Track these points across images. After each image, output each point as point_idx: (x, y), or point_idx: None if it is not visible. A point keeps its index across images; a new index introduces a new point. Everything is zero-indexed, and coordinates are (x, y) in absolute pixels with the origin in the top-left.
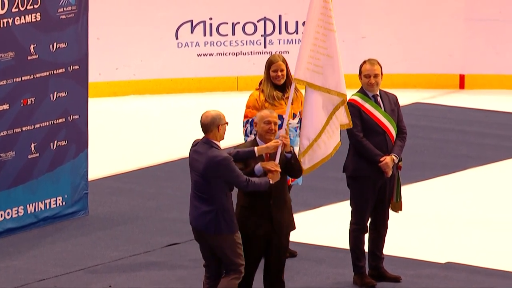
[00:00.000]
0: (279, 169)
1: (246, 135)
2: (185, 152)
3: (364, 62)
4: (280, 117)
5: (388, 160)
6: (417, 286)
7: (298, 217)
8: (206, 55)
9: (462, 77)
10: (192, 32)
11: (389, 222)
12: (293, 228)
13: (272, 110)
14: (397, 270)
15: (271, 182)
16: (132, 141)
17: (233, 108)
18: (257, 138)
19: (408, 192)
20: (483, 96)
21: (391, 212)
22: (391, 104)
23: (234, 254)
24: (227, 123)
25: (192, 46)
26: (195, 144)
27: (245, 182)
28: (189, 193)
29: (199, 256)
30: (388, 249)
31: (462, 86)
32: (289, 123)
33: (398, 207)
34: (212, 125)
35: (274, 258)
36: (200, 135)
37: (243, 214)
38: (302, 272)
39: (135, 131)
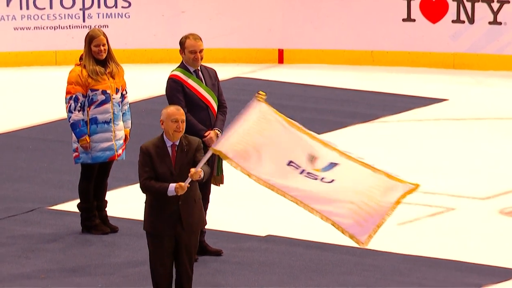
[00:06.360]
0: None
1: (70, 111)
2: (4, 127)
3: (186, 37)
4: (104, 92)
5: (212, 135)
6: (238, 259)
7: (120, 192)
8: (23, 29)
9: (281, 52)
10: (8, 5)
11: (211, 196)
12: (204, 224)
13: (178, 107)
14: (219, 244)
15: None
16: None
17: (52, 83)
18: (164, 135)
19: (229, 166)
20: (302, 71)
21: (212, 186)
22: (211, 79)
23: None
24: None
25: (8, 19)
26: None
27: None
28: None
29: (17, 233)
30: (210, 223)
31: (281, 60)
32: (113, 98)
33: (219, 181)
34: None
35: (184, 258)
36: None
37: (152, 214)
38: (124, 247)
39: None
